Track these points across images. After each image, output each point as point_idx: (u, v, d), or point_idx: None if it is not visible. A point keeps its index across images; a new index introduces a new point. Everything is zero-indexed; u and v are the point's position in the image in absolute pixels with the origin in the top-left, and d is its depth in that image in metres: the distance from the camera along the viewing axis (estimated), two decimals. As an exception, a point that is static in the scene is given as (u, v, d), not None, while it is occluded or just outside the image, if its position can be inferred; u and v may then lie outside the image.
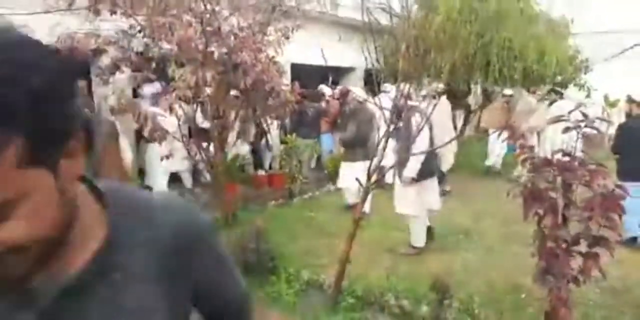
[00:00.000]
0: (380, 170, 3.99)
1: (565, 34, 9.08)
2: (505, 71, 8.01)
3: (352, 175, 4.02)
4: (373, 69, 3.88)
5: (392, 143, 3.70)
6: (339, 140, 6.38)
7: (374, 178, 3.37)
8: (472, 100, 10.56)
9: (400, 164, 4.06)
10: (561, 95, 8.11)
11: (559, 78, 9.04)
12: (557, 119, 2.52)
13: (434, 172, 4.41)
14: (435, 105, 3.36)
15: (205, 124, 4.97)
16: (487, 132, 8.68)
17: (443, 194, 6.56)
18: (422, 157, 3.96)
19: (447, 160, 6.68)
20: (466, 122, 10.57)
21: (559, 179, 2.26)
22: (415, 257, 4.18)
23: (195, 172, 6.61)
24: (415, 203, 4.23)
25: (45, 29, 4.14)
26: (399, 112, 3.38)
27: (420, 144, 3.87)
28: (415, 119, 3.93)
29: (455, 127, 10.40)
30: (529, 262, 2.40)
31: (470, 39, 7.54)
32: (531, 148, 2.47)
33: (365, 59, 3.48)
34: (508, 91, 7.96)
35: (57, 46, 4.09)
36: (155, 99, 5.93)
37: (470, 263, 4.09)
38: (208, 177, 6.37)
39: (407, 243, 4.36)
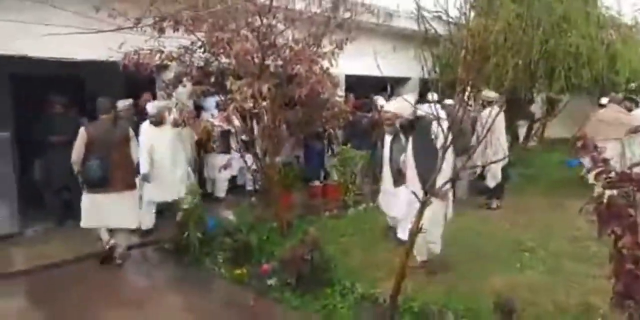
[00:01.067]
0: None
1: (637, 38, 8.46)
2: (573, 78, 7.56)
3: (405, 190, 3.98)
4: (429, 78, 3.79)
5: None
6: None
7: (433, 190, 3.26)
8: (536, 109, 10.05)
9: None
10: (637, 104, 7.52)
11: (632, 85, 8.41)
12: (637, 129, 2.30)
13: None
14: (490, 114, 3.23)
15: (261, 135, 5.05)
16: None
17: (488, 208, 6.28)
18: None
19: (494, 175, 6.37)
20: (529, 132, 10.07)
21: (639, 195, 2.06)
22: (477, 274, 3.97)
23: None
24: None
25: (114, 46, 4.43)
26: (458, 123, 3.24)
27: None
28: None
29: (517, 137, 9.95)
30: (602, 283, 2.19)
31: (534, 45, 7.20)
32: (605, 161, 2.27)
33: (422, 68, 3.39)
34: (604, 100, 7.40)
35: (125, 62, 4.35)
36: (214, 111, 6.12)
37: (536, 282, 3.82)
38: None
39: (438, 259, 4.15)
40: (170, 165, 5.19)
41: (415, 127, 4.04)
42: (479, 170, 6.62)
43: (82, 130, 4.34)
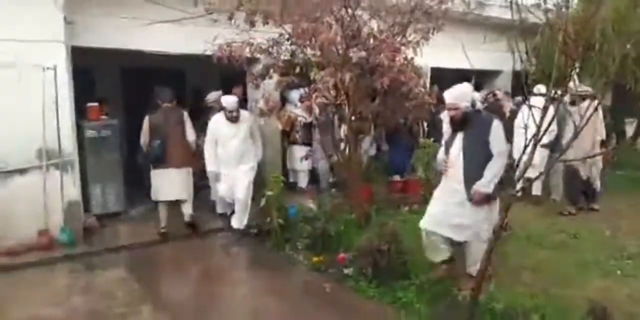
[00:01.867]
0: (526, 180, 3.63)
1: None
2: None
3: None
4: (522, 71, 3.56)
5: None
6: None
7: (518, 186, 3.08)
8: (648, 104, 8.98)
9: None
10: None
11: None
12: None
13: None
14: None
15: (343, 126, 5.08)
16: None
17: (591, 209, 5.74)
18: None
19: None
20: (638, 129, 9.06)
21: None
22: (572, 281, 3.68)
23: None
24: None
25: (210, 40, 4.72)
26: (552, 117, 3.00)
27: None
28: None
29: (623, 135, 8.99)
30: None
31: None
32: None
33: (518, 60, 3.19)
34: None
35: (218, 55, 4.62)
36: (298, 103, 6.23)
37: (637, 291, 3.46)
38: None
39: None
40: (237, 163, 5.01)
41: (468, 122, 3.42)
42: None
43: (146, 117, 5.08)
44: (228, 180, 5.02)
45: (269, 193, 4.65)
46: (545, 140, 3.49)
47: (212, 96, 5.88)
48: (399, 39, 4.55)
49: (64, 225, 4.59)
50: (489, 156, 3.36)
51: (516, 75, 9.79)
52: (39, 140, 4.49)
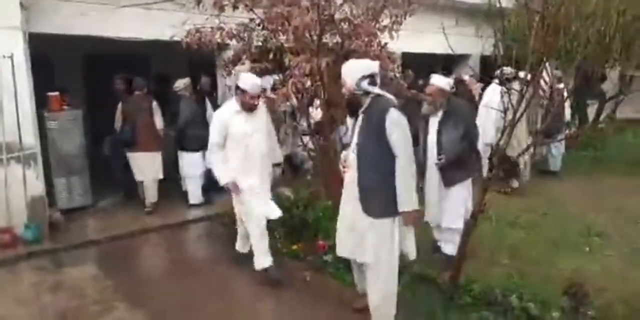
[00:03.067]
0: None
1: None
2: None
3: None
4: (491, 54, 3.58)
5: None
6: None
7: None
8: (608, 87, 9.32)
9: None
10: None
11: None
12: None
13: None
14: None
15: (317, 114, 5.02)
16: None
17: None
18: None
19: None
20: (599, 112, 9.39)
21: None
22: (545, 259, 3.79)
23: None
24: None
25: (178, 25, 4.53)
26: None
27: None
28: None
29: (586, 118, 9.30)
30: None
31: (610, 16, 6.62)
32: None
33: (485, 44, 3.20)
34: None
35: (187, 40, 4.44)
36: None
37: (609, 268, 3.60)
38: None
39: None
40: (260, 168, 3.69)
41: (361, 108, 2.74)
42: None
43: (119, 104, 5.49)
44: (259, 195, 3.64)
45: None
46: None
47: (180, 83, 5.69)
48: (373, 24, 4.50)
49: (27, 222, 4.37)
50: (386, 156, 2.60)
51: (483, 58, 9.98)
52: (-3, 133, 4.23)
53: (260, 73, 4.94)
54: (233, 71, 5.03)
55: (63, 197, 5.23)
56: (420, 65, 8.53)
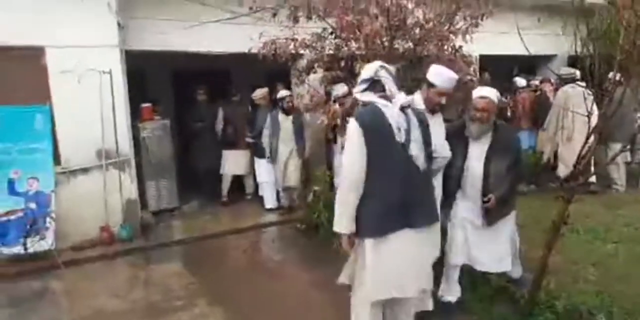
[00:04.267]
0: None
1: None
2: None
3: None
4: (580, 55, 3.33)
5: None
6: None
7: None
8: None
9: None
10: None
11: None
12: None
13: None
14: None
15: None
16: None
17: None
18: None
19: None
20: None
21: None
22: (638, 276, 3.44)
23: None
24: None
25: (255, 38, 4.78)
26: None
27: None
28: None
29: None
30: None
31: None
32: None
33: (581, 43, 2.99)
34: None
35: (264, 52, 4.67)
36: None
37: None
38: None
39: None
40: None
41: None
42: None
43: (220, 109, 6.09)
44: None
45: (317, 188, 4.66)
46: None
47: (258, 93, 5.96)
48: (446, 28, 4.41)
49: (123, 222, 4.82)
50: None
51: (572, 59, 9.28)
52: (98, 141, 4.73)
53: (332, 81, 5.06)
54: (306, 80, 5.18)
55: (153, 200, 5.70)
56: (500, 67, 8.15)
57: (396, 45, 4.37)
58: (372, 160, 2.25)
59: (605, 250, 3.97)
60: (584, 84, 6.00)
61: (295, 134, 5.55)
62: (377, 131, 2.25)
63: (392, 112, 2.27)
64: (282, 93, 5.63)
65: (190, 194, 6.22)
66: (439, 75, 2.83)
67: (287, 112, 5.52)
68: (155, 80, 8.08)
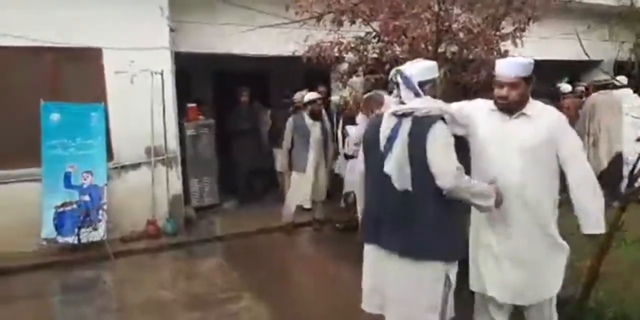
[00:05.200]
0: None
1: None
2: None
3: None
4: (627, 60, 3.25)
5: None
6: None
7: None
8: None
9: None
10: None
11: None
12: None
13: None
14: None
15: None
16: None
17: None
18: None
19: None
20: None
21: None
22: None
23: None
24: None
25: (300, 41, 4.89)
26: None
27: None
28: None
29: None
30: None
31: None
32: None
33: (629, 49, 2.93)
34: None
35: (308, 55, 4.76)
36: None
37: None
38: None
39: None
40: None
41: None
42: None
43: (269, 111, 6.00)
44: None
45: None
46: None
47: (298, 95, 6.04)
48: (493, 32, 4.39)
49: (168, 216, 5.00)
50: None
51: (619, 65, 9.00)
52: (147, 139, 4.93)
53: (375, 85, 5.10)
54: (348, 83, 5.24)
55: (195, 196, 5.88)
56: (546, 72, 8.00)
57: (441, 49, 4.38)
58: (366, 170, 2.27)
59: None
60: (623, 90, 5.92)
61: (325, 141, 5.28)
62: (370, 141, 2.18)
63: (385, 120, 2.07)
64: (311, 95, 5.29)
65: (229, 193, 6.37)
66: (498, 63, 2.35)
67: (315, 117, 5.19)
68: (197, 81, 8.33)
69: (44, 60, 4.59)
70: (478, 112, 2.35)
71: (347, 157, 5.36)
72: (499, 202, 2.12)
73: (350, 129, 5.32)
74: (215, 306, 3.39)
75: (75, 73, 4.71)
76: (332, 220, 5.31)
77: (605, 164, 5.67)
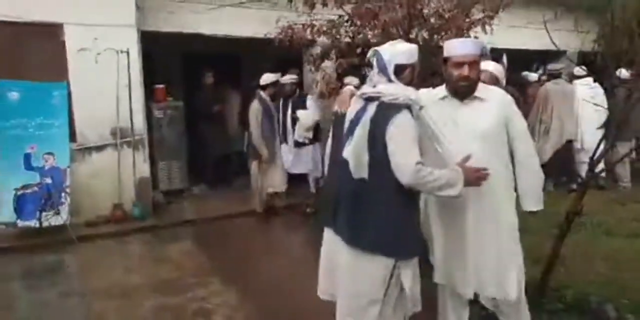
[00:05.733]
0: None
1: None
2: None
3: None
4: (591, 50, 3.33)
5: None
6: None
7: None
8: None
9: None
10: None
11: None
12: None
13: None
14: None
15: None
16: None
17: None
18: None
19: None
20: None
21: None
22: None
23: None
24: None
25: (272, 23, 4.79)
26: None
27: None
28: None
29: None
30: None
31: None
32: None
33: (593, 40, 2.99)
34: None
35: (280, 37, 4.68)
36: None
37: None
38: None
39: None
40: None
41: None
42: None
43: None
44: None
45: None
46: None
47: (267, 78, 5.82)
48: (463, 18, 4.41)
49: (135, 200, 4.88)
50: None
51: (583, 55, 9.23)
52: (113, 120, 4.77)
53: (347, 69, 5.07)
54: (321, 66, 5.19)
55: (164, 180, 5.75)
56: (511, 62, 8.14)
57: (412, 35, 4.38)
58: (332, 150, 2.28)
59: (615, 244, 4.03)
60: (581, 80, 6.11)
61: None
62: (340, 124, 2.15)
63: (353, 102, 2.07)
64: (269, 77, 5.19)
65: (198, 177, 6.27)
66: (449, 44, 2.24)
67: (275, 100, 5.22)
68: (165, 62, 8.07)
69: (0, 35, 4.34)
70: (427, 102, 2.09)
71: (298, 144, 5.37)
72: (470, 182, 1.95)
73: (300, 113, 5.35)
74: (184, 291, 3.34)
75: (35, 50, 4.47)
76: (301, 204, 5.30)
77: (551, 153, 5.79)
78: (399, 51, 1.95)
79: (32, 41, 4.44)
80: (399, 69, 1.93)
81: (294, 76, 5.62)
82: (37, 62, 4.47)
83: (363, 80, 5.78)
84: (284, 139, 5.43)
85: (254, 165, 5.10)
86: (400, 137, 1.84)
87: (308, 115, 5.35)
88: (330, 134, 2.29)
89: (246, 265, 3.87)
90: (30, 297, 3.44)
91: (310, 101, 5.49)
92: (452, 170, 1.94)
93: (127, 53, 4.75)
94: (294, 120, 5.37)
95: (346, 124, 2.01)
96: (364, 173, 1.91)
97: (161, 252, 4.21)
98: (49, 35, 4.51)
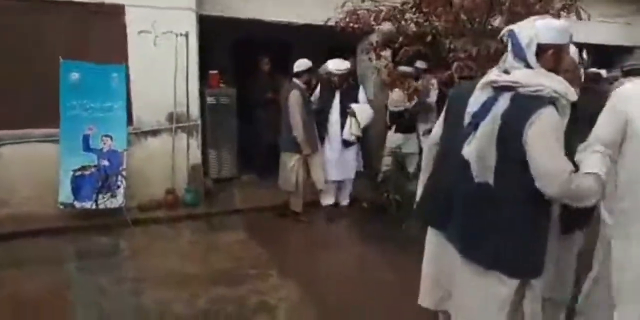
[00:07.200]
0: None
1: None
2: None
3: None
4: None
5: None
6: None
7: None
8: None
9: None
10: None
11: None
12: None
13: None
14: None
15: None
16: None
17: None
18: None
19: None
20: None
21: None
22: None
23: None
24: None
25: (333, 8, 4.59)
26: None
27: None
28: None
29: None
30: None
31: None
32: None
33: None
34: None
35: (343, 23, 4.47)
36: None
37: None
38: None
39: None
40: None
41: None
42: None
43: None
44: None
45: (387, 168, 4.51)
46: None
47: (303, 64, 4.84)
48: (545, 6, 4.09)
49: (188, 186, 4.82)
50: None
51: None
52: (170, 104, 4.71)
53: (414, 56, 4.82)
54: (383, 53, 4.95)
55: (214, 167, 5.68)
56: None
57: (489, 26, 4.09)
58: (442, 142, 2.00)
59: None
60: None
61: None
62: (454, 110, 1.83)
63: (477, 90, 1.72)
64: (304, 63, 4.69)
65: (248, 165, 6.18)
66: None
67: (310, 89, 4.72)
68: (218, 48, 8.01)
69: (63, 16, 4.32)
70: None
71: (346, 143, 4.78)
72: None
73: (356, 108, 4.72)
74: (242, 282, 3.23)
75: (97, 31, 4.44)
76: (359, 199, 5.10)
77: None
78: (544, 27, 1.60)
79: (94, 22, 4.41)
80: (541, 50, 1.59)
81: (348, 65, 4.99)
82: (99, 44, 4.44)
83: (417, 70, 5.47)
84: (322, 139, 4.74)
85: (294, 161, 4.54)
86: (544, 140, 1.53)
87: (365, 110, 4.82)
88: (442, 118, 1.96)
89: (305, 259, 3.74)
90: (86, 280, 3.41)
91: (362, 93, 5.07)
92: (589, 175, 1.62)
93: (186, 36, 4.67)
94: (345, 115, 4.75)
95: (467, 118, 1.68)
96: (489, 177, 1.63)
97: (215, 241, 4.13)
98: (111, 17, 4.46)
